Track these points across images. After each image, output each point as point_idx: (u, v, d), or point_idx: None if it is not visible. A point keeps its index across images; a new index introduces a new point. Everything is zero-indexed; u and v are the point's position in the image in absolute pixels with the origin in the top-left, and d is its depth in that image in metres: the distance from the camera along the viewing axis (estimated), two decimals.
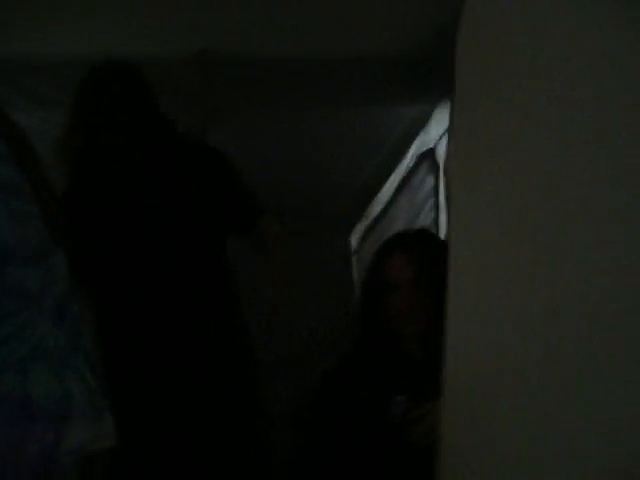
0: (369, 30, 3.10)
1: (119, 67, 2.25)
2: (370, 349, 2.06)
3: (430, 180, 3.83)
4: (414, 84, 3.59)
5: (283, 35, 2.97)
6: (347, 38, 3.10)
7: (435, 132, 3.74)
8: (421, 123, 3.84)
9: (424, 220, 3.81)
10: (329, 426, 2.01)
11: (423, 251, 2.05)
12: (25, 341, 1.36)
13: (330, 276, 4.61)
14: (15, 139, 1.49)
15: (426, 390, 1.90)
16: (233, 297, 2.28)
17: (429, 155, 3.85)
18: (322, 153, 3.88)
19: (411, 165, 3.99)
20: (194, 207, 2.21)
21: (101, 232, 2.17)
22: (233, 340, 2.25)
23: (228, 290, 2.27)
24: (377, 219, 4.54)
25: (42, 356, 1.40)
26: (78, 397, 1.41)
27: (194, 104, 3.03)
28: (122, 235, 2.15)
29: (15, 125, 1.58)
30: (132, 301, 2.15)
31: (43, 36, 2.73)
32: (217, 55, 3.00)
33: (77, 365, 1.44)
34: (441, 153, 3.67)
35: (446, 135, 3.57)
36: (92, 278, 2.13)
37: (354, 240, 5.01)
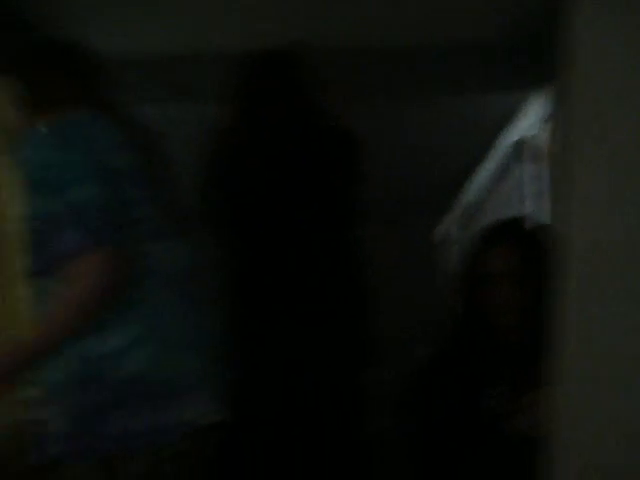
0: (465, 17, 3.07)
1: (282, 55, 2.33)
2: (468, 339, 2.04)
3: (525, 168, 3.77)
4: (510, 71, 3.53)
5: (383, 24, 2.97)
6: (444, 26, 3.07)
7: (530, 120, 3.67)
8: (516, 111, 3.78)
9: (518, 208, 3.75)
10: (427, 416, 2.01)
11: (522, 241, 2.02)
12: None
13: (420, 263, 4.60)
14: (136, 131, 1.55)
15: (524, 380, 1.89)
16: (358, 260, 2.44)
17: (522, 144, 3.78)
18: (416, 141, 3.87)
19: (506, 153, 3.93)
20: (333, 184, 2.34)
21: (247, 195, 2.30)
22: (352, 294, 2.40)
23: (355, 258, 2.43)
24: (469, 208, 4.50)
25: (159, 332, 1.45)
26: (192, 374, 1.45)
27: None
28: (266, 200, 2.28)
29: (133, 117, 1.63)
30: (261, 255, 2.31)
31: (184, 31, 2.83)
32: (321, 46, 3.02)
33: (195, 341, 1.49)
34: (537, 141, 3.61)
35: (541, 122, 3.50)
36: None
37: (444, 228, 4.98)
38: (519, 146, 3.79)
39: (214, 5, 2.71)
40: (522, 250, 1.98)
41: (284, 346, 2.31)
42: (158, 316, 1.45)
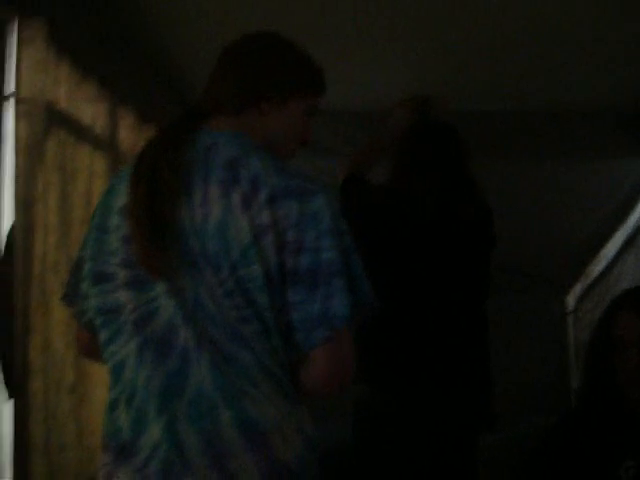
0: (596, 82, 3.01)
1: (443, 128, 2.58)
2: (596, 409, 1.94)
3: None
4: None
5: (503, 87, 2.95)
6: (573, 90, 3.02)
7: None
8: None
9: None
10: None
11: None
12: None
13: (545, 335, 4.46)
14: None
15: None
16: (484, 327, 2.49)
17: None
18: (543, 208, 3.79)
19: (639, 222, 3.79)
20: (474, 256, 2.48)
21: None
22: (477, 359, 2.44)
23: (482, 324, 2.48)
24: (599, 278, 4.34)
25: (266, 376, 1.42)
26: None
27: None
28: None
29: None
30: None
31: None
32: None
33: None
34: None
35: None
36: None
37: (571, 299, 4.82)
38: None
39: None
40: None
41: (409, 406, 2.32)
42: None
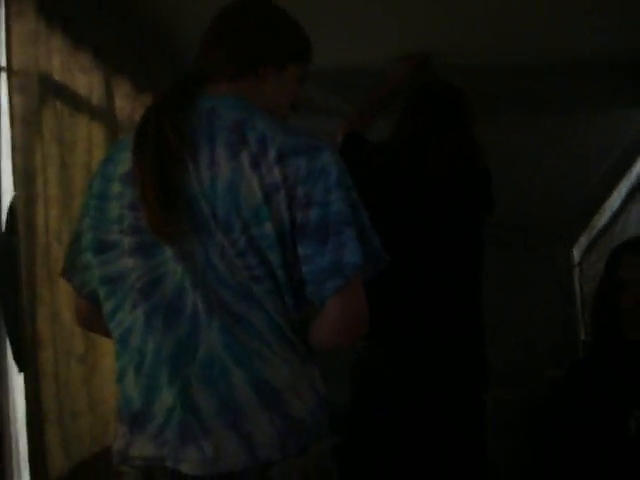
0: (600, 32, 2.97)
1: (451, 89, 2.66)
2: (603, 356, 1.96)
3: None
4: None
5: (510, 38, 2.92)
6: (577, 40, 2.99)
7: None
8: None
9: None
10: (561, 437, 1.94)
11: None
12: None
13: (552, 288, 4.46)
14: None
15: None
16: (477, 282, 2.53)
17: None
18: (546, 160, 3.77)
19: None
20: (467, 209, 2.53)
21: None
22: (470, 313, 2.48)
23: (475, 276, 2.52)
24: (603, 230, 4.33)
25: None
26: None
27: None
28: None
29: None
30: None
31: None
32: (440, 61, 3.02)
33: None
34: None
35: None
36: None
37: (577, 252, 4.81)
38: None
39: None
40: None
41: (405, 361, 2.34)
42: None
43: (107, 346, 2.07)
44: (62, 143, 1.99)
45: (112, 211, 1.39)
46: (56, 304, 1.86)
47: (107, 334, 1.48)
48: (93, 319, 1.49)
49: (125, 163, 1.38)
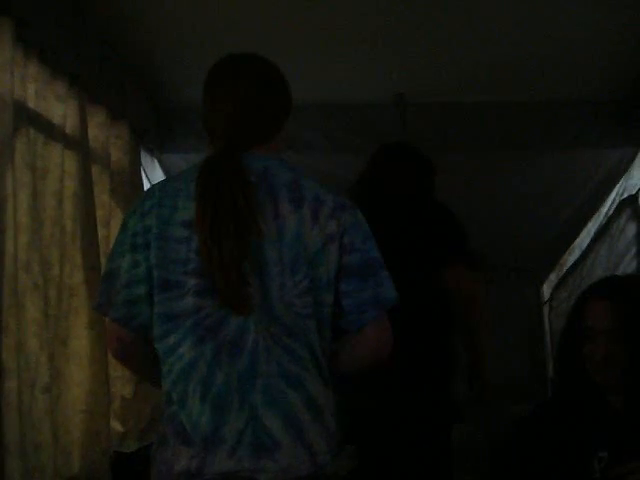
0: (571, 73, 3.03)
1: (407, 149, 2.84)
2: (568, 400, 1.96)
3: (632, 227, 3.65)
4: (616, 126, 3.45)
5: (479, 79, 2.97)
6: (548, 81, 3.04)
7: (638, 177, 3.57)
8: (623, 167, 3.68)
9: (625, 269, 3.62)
10: (522, 475, 1.94)
11: (627, 299, 1.95)
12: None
13: (520, 324, 4.50)
14: None
15: (628, 446, 1.79)
16: (447, 324, 2.65)
17: (631, 201, 3.66)
18: (516, 198, 3.81)
19: (611, 212, 3.82)
20: (421, 243, 2.67)
21: None
22: (441, 358, 2.62)
23: (444, 317, 2.64)
24: (573, 268, 4.37)
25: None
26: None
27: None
28: None
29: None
30: None
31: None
32: (413, 99, 3.06)
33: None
34: None
35: None
36: None
37: (546, 289, 4.86)
38: (623, 205, 3.68)
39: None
40: (624, 307, 1.90)
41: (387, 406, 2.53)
42: None
43: (74, 376, 2.05)
44: (34, 170, 1.98)
45: (176, 253, 1.54)
46: (21, 333, 1.85)
47: (138, 366, 1.70)
48: (134, 351, 1.63)
49: (186, 211, 1.55)
